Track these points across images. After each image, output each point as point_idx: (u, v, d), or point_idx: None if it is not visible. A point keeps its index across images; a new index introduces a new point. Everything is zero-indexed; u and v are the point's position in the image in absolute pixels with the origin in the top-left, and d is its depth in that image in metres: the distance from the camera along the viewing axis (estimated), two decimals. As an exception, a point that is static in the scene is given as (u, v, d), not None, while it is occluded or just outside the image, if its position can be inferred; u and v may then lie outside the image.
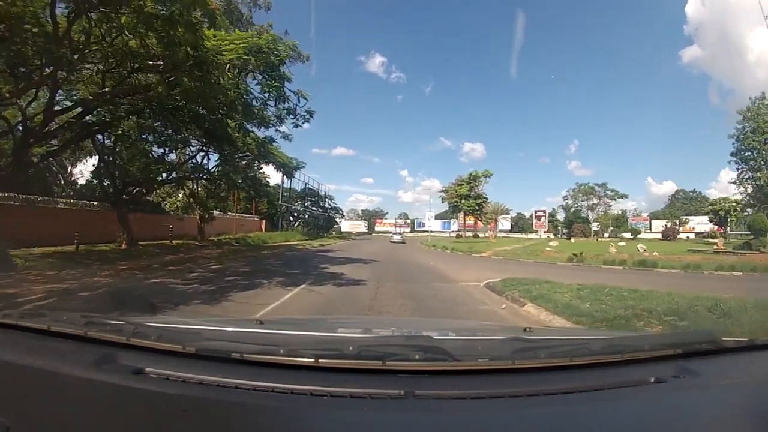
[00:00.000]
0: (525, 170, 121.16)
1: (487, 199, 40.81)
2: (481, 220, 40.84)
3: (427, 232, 59.84)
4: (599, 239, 51.31)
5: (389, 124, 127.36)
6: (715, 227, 61.19)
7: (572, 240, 42.45)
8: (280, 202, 41.78)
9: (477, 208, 40.15)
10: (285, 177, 23.87)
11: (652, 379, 1.12)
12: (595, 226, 63.68)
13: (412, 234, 68.95)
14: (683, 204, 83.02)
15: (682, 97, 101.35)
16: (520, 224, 78.48)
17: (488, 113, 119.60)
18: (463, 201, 40.21)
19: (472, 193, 40.20)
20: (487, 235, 41.50)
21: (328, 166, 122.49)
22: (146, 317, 2.31)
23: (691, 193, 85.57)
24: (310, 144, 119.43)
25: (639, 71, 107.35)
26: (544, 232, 69.87)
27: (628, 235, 58.97)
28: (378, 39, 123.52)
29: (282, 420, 0.94)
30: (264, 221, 40.57)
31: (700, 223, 64.88)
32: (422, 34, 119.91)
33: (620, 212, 68.93)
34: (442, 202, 44.36)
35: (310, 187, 51.75)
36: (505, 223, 75.04)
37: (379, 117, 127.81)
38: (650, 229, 67.57)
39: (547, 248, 24.79)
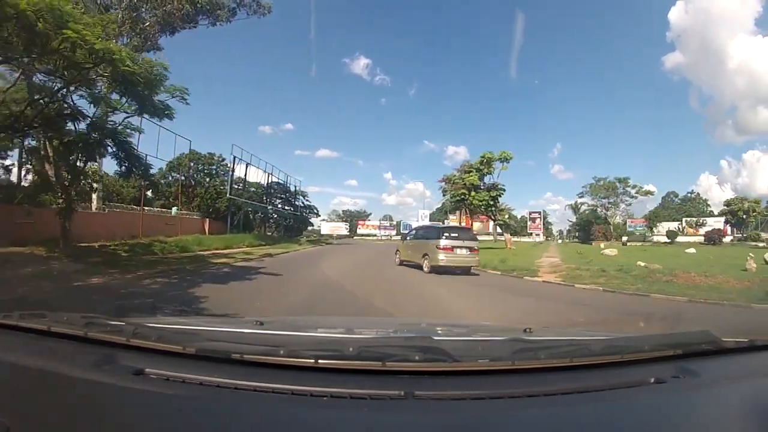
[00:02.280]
0: (509, 173, 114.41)
1: (504, 190, 29.72)
2: (494, 220, 30.42)
3: (418, 235, 50.61)
4: (625, 243, 43.23)
5: (373, 126, 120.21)
6: (722, 228, 56.31)
7: (602, 245, 33.80)
8: (229, 196, 32.03)
9: (491, 203, 29.23)
10: (142, 111, 12.60)
11: (652, 380, 1.11)
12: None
13: (398, 237, 59.94)
14: (680, 206, 78.72)
15: (664, 102, 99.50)
16: (513, 226, 72.08)
17: (472, 116, 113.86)
18: (472, 193, 28.57)
19: (483, 183, 28.65)
20: (503, 239, 31.11)
21: (311, 167, 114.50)
22: (146, 318, 2.10)
23: (689, 194, 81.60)
24: (293, 145, 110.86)
25: (621, 76, 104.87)
26: (541, 234, 65.49)
27: (658, 239, 52.52)
28: (362, 41, 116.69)
29: (282, 420, 0.92)
30: (208, 220, 31.18)
31: (707, 225, 59.54)
32: (407, 37, 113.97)
33: (650, 211, 62.30)
34: (444, 194, 33.14)
35: (277, 180, 41.68)
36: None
37: (363, 119, 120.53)
38: (652, 232, 62.53)
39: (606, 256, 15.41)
